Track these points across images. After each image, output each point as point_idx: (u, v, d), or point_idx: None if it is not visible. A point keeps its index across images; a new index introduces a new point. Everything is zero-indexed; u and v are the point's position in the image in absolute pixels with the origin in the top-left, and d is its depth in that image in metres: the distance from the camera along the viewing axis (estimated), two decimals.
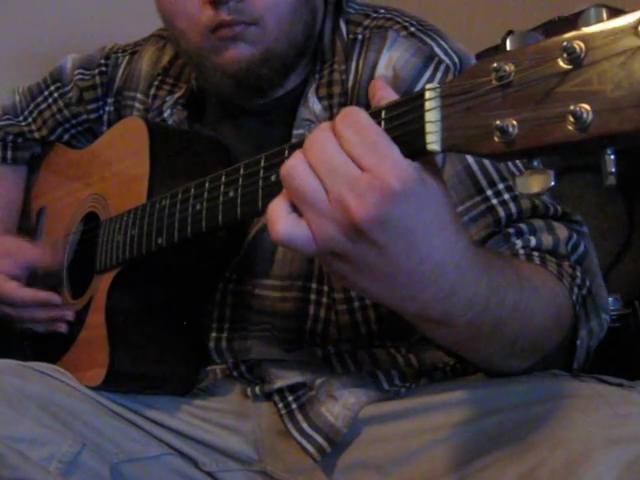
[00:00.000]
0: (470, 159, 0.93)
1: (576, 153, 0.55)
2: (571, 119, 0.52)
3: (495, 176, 0.93)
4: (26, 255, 1.18)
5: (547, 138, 0.54)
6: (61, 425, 0.98)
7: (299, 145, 0.69)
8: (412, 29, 1.02)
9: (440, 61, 0.98)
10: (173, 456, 1.06)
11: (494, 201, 0.92)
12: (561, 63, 0.53)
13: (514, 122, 0.55)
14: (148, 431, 1.06)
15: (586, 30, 0.52)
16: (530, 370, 0.84)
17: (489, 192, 0.92)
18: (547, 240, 0.89)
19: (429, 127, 0.59)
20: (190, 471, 1.07)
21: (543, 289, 0.79)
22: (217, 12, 0.96)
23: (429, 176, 0.62)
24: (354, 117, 0.61)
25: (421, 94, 0.61)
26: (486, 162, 0.93)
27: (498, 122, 0.55)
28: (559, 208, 0.93)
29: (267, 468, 1.06)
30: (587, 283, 0.86)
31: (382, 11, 1.06)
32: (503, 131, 0.55)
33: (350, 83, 1.01)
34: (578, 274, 0.86)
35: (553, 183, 0.55)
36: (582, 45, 0.52)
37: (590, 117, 0.51)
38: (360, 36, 1.03)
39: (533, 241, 0.89)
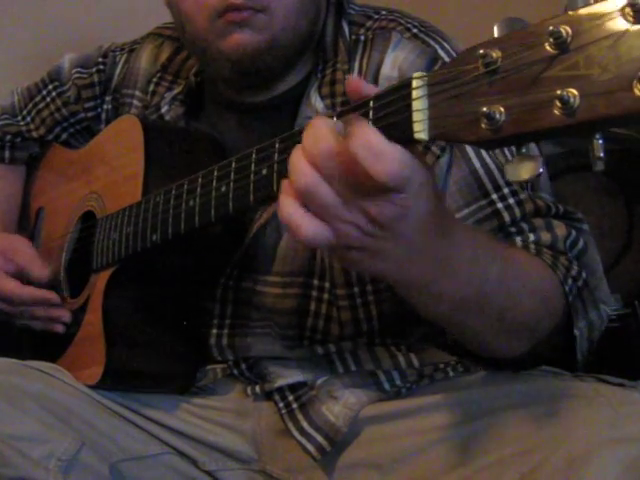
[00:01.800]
0: (477, 163, 0.93)
1: (565, 138, 0.54)
2: (558, 104, 0.51)
3: (501, 181, 0.93)
4: (19, 257, 1.17)
5: (534, 124, 0.53)
6: (61, 423, 0.98)
7: (289, 137, 0.69)
8: (415, 30, 1.02)
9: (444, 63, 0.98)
10: (173, 455, 1.06)
11: (499, 205, 0.92)
12: (548, 48, 0.52)
13: (501, 108, 0.54)
14: (147, 430, 1.05)
15: (572, 14, 0.52)
16: (524, 358, 0.84)
17: (494, 196, 0.93)
18: (545, 237, 0.89)
19: (416, 116, 0.59)
20: (190, 470, 1.06)
21: (530, 271, 0.80)
22: None
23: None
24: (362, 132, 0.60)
25: (408, 83, 0.60)
26: (492, 166, 0.94)
27: (485, 109, 0.55)
28: (560, 207, 0.93)
29: (267, 467, 1.05)
30: (583, 275, 0.86)
31: (384, 12, 1.06)
32: (490, 118, 0.55)
33: None
34: (574, 267, 0.86)
35: (542, 169, 0.55)
36: (568, 29, 0.51)
37: (577, 102, 0.51)
38: (363, 37, 1.03)
39: (532, 237, 0.89)
